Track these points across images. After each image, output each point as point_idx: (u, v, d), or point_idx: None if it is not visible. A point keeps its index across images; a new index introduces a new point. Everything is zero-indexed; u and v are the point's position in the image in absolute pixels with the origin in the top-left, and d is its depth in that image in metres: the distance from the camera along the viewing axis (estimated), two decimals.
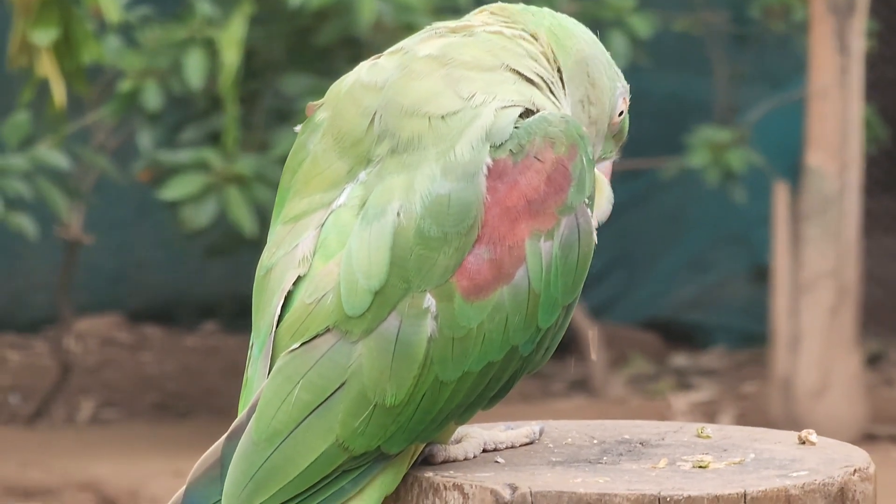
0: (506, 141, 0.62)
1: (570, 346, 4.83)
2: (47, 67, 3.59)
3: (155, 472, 4.47)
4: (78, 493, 4.50)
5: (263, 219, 4.18)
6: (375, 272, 0.60)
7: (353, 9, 4.18)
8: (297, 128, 0.73)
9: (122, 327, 6.05)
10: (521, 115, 0.64)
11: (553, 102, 0.67)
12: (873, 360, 5.60)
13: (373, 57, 0.71)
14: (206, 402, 5.39)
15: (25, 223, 4.39)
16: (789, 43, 5.48)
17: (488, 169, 0.62)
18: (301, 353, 0.61)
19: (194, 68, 4.20)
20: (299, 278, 0.63)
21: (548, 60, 0.69)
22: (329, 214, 0.65)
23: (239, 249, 4.68)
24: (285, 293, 0.63)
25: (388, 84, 0.65)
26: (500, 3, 0.73)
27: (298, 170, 0.69)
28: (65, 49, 3.65)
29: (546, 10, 0.73)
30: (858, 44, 4.74)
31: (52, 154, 4.40)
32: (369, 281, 0.60)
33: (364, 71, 0.69)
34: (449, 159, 0.61)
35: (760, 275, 5.43)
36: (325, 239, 0.64)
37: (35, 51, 3.61)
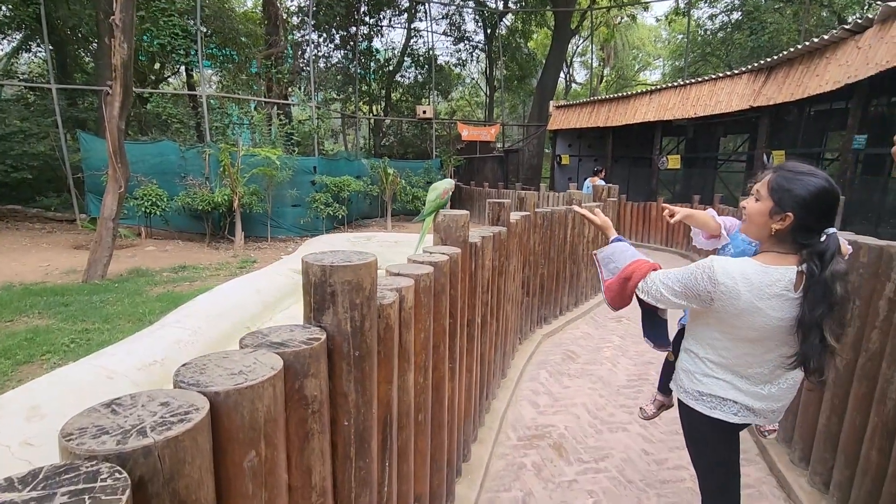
0: (443, 189, 7.76)
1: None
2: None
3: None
4: None
5: None
6: (432, 199, 7.50)
7: None
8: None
9: None
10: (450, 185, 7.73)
11: (450, 183, 7.83)
12: None
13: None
14: None
15: None
16: None
17: (443, 191, 7.75)
18: (426, 206, 7.61)
19: None
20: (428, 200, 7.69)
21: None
22: (430, 191, 7.62)
23: None
24: (429, 201, 7.74)
25: (433, 187, 7.73)
26: (447, 179, 7.90)
27: (429, 193, 7.73)
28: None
29: (447, 179, 7.78)
30: None
31: None
32: (430, 199, 7.48)
33: (434, 184, 7.93)
34: (435, 191, 7.62)
35: None
36: (427, 199, 7.54)
37: None
